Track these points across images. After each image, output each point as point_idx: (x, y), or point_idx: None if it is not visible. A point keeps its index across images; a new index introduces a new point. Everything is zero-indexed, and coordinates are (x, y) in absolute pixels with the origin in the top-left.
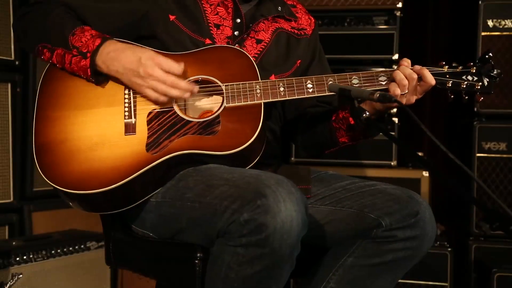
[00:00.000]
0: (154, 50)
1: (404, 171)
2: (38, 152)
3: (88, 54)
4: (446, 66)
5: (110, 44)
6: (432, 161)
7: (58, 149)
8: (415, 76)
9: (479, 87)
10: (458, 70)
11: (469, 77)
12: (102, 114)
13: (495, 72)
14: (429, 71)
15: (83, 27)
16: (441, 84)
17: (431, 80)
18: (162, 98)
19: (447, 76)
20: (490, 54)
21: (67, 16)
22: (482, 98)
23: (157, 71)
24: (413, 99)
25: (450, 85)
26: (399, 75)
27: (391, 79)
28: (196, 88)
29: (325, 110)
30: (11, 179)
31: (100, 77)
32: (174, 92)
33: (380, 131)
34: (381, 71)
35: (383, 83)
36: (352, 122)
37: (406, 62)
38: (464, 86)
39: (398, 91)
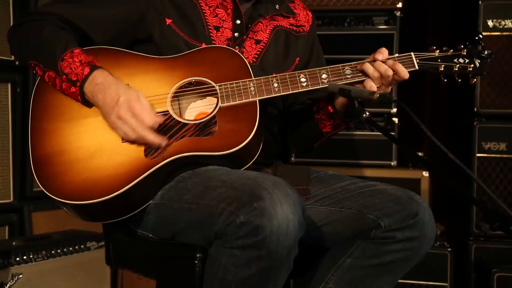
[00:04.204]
0: (137, 92)
1: (404, 171)
2: (36, 165)
3: (78, 83)
4: (437, 51)
5: (99, 75)
6: (432, 161)
7: (56, 160)
8: (390, 73)
9: (471, 69)
10: (449, 53)
11: (461, 60)
12: (97, 123)
13: (486, 53)
14: (421, 56)
15: (72, 51)
16: (434, 69)
17: (404, 74)
18: (132, 140)
19: (439, 60)
20: (480, 36)
21: (59, 33)
22: (475, 80)
23: (129, 117)
24: (388, 89)
25: (442, 69)
26: (370, 68)
27: (365, 74)
28: (164, 143)
29: (309, 104)
30: (11, 179)
31: (90, 103)
32: (141, 142)
33: (380, 131)
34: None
35: None
36: (331, 111)
37: (381, 55)
38: (457, 69)
39: (374, 87)
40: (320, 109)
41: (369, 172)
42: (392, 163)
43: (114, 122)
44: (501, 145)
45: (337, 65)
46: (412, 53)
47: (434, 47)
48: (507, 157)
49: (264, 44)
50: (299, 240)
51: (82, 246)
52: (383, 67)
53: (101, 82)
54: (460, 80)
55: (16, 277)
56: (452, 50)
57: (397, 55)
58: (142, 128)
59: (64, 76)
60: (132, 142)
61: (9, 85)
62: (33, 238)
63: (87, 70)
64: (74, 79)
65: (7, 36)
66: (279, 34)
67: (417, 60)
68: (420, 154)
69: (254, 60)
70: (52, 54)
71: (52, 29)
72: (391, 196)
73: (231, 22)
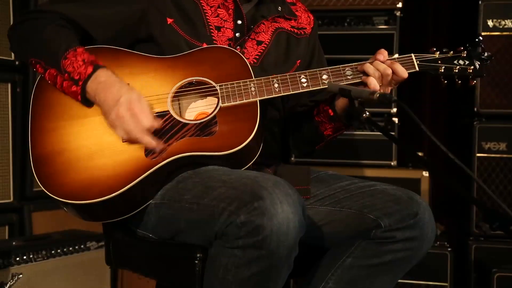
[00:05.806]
0: (138, 94)
1: (404, 171)
2: (36, 164)
3: (80, 82)
4: (437, 52)
5: (102, 74)
6: (432, 161)
7: (56, 160)
8: (389, 71)
9: (471, 70)
10: (449, 55)
11: (461, 62)
12: (98, 123)
13: (486, 55)
14: (421, 58)
15: (75, 49)
16: (434, 70)
17: (403, 73)
18: (129, 141)
19: (439, 62)
20: (480, 37)
21: (62, 32)
22: (474, 81)
23: (128, 117)
24: (388, 90)
25: (442, 70)
26: (370, 68)
27: (365, 74)
28: (159, 147)
29: (310, 107)
30: (11, 179)
31: (89, 103)
32: (136, 143)
33: (380, 131)
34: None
35: None
36: (332, 114)
37: (382, 56)
38: (457, 70)
39: (377, 85)
40: (321, 112)
41: (369, 172)
42: (392, 163)
43: (113, 121)
44: (501, 145)
45: (338, 66)
46: (412, 54)
47: (434, 49)
48: (507, 157)
49: (265, 46)
50: (299, 240)
51: (82, 246)
52: (382, 66)
53: (104, 80)
54: (460, 81)
55: (16, 277)
56: (452, 52)
57: (397, 56)
58: (139, 129)
59: (66, 75)
60: (131, 142)
61: (9, 85)
62: (33, 238)
63: (90, 69)
64: (77, 78)
65: (7, 34)
66: (281, 36)
67: (418, 61)
68: (420, 154)
69: (255, 61)
70: (55, 52)
71: (54, 27)
72: (391, 196)
73: (232, 22)
